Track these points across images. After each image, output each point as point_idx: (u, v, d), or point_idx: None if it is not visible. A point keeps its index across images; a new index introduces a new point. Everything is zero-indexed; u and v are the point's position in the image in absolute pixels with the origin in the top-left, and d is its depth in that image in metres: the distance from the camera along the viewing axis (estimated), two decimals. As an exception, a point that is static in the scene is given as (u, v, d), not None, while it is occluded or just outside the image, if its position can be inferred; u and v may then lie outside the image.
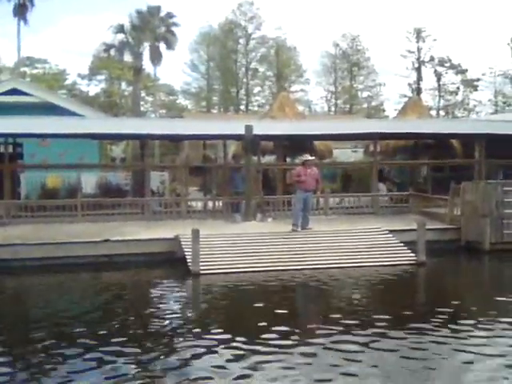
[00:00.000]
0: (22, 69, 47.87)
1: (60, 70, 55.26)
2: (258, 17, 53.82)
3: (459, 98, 53.59)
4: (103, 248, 11.33)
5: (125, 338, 6.62)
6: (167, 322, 7.49)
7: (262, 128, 15.05)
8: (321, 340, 6.45)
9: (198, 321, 7.68)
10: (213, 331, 6.88)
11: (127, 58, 39.57)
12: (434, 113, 47.96)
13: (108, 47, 38.86)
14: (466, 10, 72.86)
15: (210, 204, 15.50)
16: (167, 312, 8.12)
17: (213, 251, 10.87)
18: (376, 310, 8.16)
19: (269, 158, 19.60)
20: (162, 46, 39.80)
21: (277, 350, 6.10)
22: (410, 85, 52.27)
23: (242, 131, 14.23)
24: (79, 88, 55.73)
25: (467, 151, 18.42)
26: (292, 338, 6.54)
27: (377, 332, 6.73)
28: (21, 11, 36.56)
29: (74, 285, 10.18)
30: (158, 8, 40.23)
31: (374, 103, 57.67)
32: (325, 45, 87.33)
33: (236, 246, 11.32)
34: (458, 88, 53.16)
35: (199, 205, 15.89)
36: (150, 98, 53.60)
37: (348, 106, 57.09)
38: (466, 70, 52.47)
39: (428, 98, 52.13)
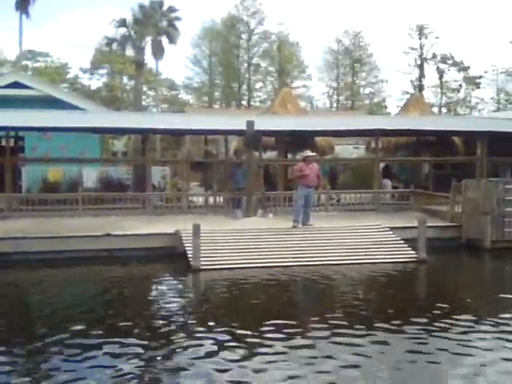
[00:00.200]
0: (24, 62, 47.86)
1: (62, 63, 55.30)
2: (261, 12, 53.74)
3: (461, 95, 53.61)
4: (104, 242, 11.33)
5: (123, 335, 6.61)
6: (167, 317, 7.49)
7: (263, 123, 15.04)
8: (321, 335, 6.47)
9: (198, 316, 7.68)
10: (213, 327, 6.88)
11: (129, 52, 39.52)
12: (435, 110, 47.86)
13: (110, 41, 38.77)
14: (469, 7, 72.68)
15: (211, 199, 15.49)
16: (167, 307, 8.12)
17: (213, 247, 10.86)
18: (376, 307, 8.18)
19: (270, 154, 19.59)
20: (164, 41, 39.77)
21: (277, 345, 6.10)
22: (412, 82, 52.21)
23: (243, 127, 14.21)
24: (81, 82, 55.87)
25: (469, 149, 18.39)
26: (293, 333, 6.54)
27: (377, 327, 6.75)
28: (23, 5, 36.41)
29: (74, 279, 10.18)
30: (161, 2, 40.12)
31: (375, 100, 57.63)
32: (327, 41, 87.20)
33: (237, 241, 11.32)
34: (460, 85, 53.09)
35: (200, 200, 15.87)
36: (151, 93, 53.48)
37: (350, 102, 57.04)
38: (469, 68, 52.44)
39: (430, 95, 52.11)
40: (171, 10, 40.34)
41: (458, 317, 7.23)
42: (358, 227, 12.39)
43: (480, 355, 5.86)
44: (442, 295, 9.01)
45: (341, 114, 38.34)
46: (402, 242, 11.53)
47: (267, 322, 6.94)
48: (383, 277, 10.12)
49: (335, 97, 57.79)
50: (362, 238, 11.71)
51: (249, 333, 6.58)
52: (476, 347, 6.08)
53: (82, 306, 8.28)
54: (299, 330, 6.77)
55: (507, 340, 6.36)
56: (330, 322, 7.05)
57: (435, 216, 13.80)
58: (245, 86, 55.17)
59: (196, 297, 9.16)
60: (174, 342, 6.38)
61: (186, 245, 10.84)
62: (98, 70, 54.88)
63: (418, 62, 52.14)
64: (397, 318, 7.24)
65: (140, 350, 6.03)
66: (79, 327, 6.83)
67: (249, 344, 6.19)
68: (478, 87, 52.73)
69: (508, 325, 6.98)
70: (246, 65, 54.91)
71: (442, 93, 53.06)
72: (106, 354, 5.93)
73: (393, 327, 6.79)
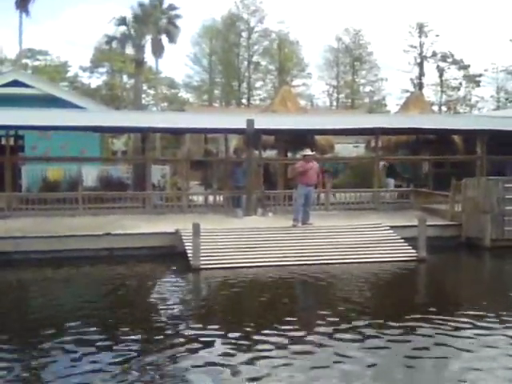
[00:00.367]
0: (24, 60, 47.77)
1: (62, 62, 55.29)
2: (261, 10, 53.75)
3: (461, 93, 53.58)
4: (104, 241, 11.34)
5: (123, 334, 6.64)
6: (166, 317, 7.49)
7: (263, 122, 15.02)
8: (321, 334, 6.47)
9: (198, 316, 7.68)
10: (212, 326, 6.88)
11: (129, 50, 39.43)
12: (435, 108, 47.85)
13: (110, 39, 38.72)
14: (469, 6, 72.64)
15: (211, 198, 15.49)
16: (167, 307, 8.11)
17: (213, 246, 10.87)
18: (376, 306, 8.19)
19: (270, 153, 19.59)
20: (164, 39, 39.71)
21: (277, 344, 6.10)
22: (412, 80, 52.21)
23: (243, 125, 14.20)
24: (81, 80, 55.84)
25: (469, 147, 18.38)
26: (293, 332, 6.54)
27: (378, 324, 6.78)
28: (23, 3, 36.38)
29: (74, 278, 10.19)
30: (161, 0, 40.08)
31: (375, 98, 57.63)
32: (327, 39, 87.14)
33: (237, 240, 11.32)
34: (460, 84, 53.07)
35: (200, 199, 15.87)
36: (151, 91, 53.44)
37: (350, 100, 57.05)
38: (469, 66, 52.40)
39: (430, 94, 52.12)
40: (171, 8, 40.31)
41: (458, 315, 7.25)
42: (358, 226, 12.39)
43: (483, 351, 5.93)
44: (442, 294, 9.02)
45: (341, 113, 38.36)
46: (402, 240, 11.53)
47: (267, 321, 6.94)
48: (383, 276, 10.12)
49: (335, 95, 57.81)
50: (362, 237, 11.71)
51: (248, 332, 6.57)
52: (479, 345, 6.12)
53: (81, 305, 8.26)
54: (301, 328, 6.76)
55: (508, 336, 6.41)
56: (331, 319, 7.06)
57: (435, 215, 13.80)
58: (245, 85, 55.16)
59: (196, 296, 9.15)
60: (174, 341, 6.36)
61: (186, 244, 10.84)
62: (98, 69, 54.88)
63: (418, 61, 52.13)
64: (397, 316, 7.24)
65: (140, 350, 6.04)
66: (79, 327, 6.83)
67: (249, 343, 6.18)
68: (478, 85, 52.78)
69: (508, 322, 7.00)
70: (246, 63, 54.90)
71: (441, 91, 53.05)
72: (106, 354, 5.92)
73: (392, 325, 6.79)
